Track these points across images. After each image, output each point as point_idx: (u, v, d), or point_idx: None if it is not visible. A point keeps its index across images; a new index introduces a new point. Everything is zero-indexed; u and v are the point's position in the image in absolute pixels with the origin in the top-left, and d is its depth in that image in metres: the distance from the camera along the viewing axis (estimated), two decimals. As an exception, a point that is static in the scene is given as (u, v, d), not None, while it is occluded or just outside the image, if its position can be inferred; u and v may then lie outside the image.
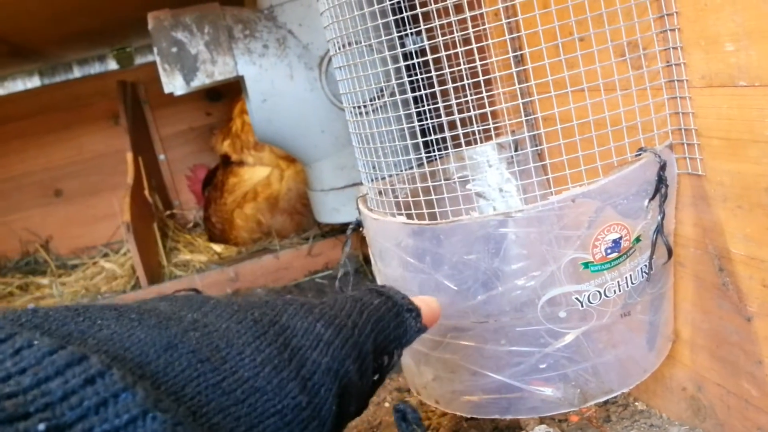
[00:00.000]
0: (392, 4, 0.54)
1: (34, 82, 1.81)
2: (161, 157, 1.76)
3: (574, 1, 0.48)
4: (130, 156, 1.45)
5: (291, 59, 1.01)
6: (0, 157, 1.72)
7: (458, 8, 0.54)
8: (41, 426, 0.18)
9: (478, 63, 0.51)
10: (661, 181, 0.47)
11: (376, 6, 0.54)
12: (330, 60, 0.99)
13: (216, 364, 0.24)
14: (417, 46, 0.55)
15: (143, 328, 0.24)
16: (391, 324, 0.33)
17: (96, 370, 0.20)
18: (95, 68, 1.83)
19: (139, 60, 1.83)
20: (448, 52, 0.52)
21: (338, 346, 0.29)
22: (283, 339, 0.28)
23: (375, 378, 0.34)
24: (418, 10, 0.53)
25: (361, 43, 0.57)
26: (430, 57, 0.53)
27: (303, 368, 0.27)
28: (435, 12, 0.51)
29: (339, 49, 0.61)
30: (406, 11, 0.57)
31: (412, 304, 0.35)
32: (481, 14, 0.51)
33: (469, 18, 0.49)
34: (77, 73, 1.82)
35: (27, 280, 1.53)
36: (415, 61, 0.59)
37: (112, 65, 1.82)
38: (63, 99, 1.75)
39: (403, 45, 0.57)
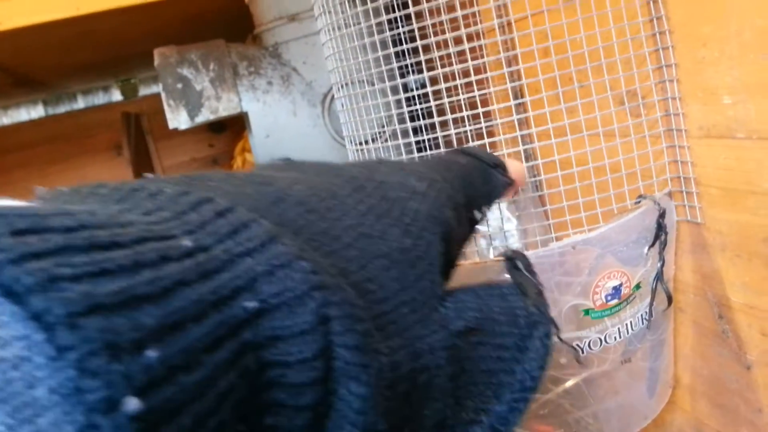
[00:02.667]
0: (396, 51, 0.55)
1: (38, 111, 1.83)
2: (163, 187, 1.77)
3: (575, 51, 0.49)
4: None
5: (294, 96, 1.02)
6: (2, 186, 1.72)
7: (461, 53, 0.55)
8: (189, 242, 0.19)
9: (480, 109, 0.52)
10: (660, 228, 0.48)
11: (380, 52, 0.55)
12: (333, 97, 1.00)
13: (322, 213, 0.26)
14: (419, 91, 0.56)
15: (251, 185, 0.26)
16: (479, 180, 0.34)
17: (224, 207, 0.22)
18: (100, 99, 1.85)
19: (144, 91, 1.84)
20: (451, 99, 0.53)
21: (433, 197, 0.30)
22: (380, 192, 0.29)
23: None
24: (422, 57, 0.54)
25: (365, 87, 0.58)
26: (432, 101, 0.54)
27: (403, 216, 0.28)
28: (436, 45, 0.52)
29: (341, 88, 0.62)
30: (410, 56, 0.58)
31: (498, 159, 0.36)
32: (483, 64, 0.52)
33: (471, 67, 0.50)
34: (81, 103, 1.84)
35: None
36: (418, 107, 0.60)
37: (117, 96, 1.84)
38: (67, 129, 1.77)
39: (406, 90, 0.58)
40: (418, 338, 0.26)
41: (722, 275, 0.48)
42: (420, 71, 0.57)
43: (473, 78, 0.53)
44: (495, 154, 0.37)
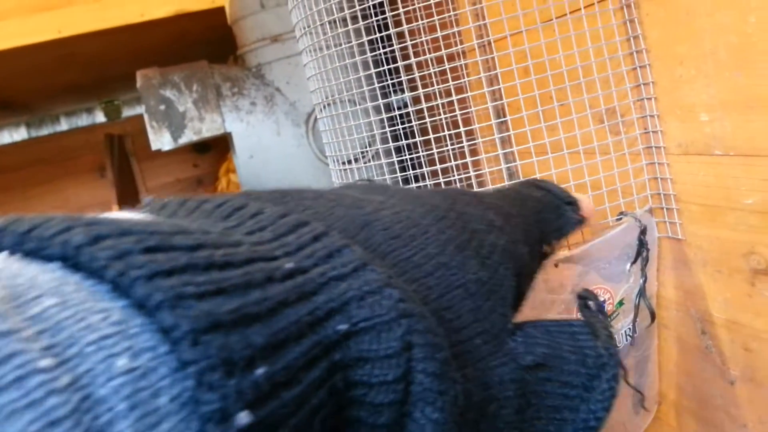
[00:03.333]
0: (379, 71, 0.56)
1: (21, 134, 1.82)
2: (147, 208, 1.76)
3: (554, 70, 0.49)
4: (116, 209, 1.45)
5: (278, 116, 1.02)
6: (-15, 209, 1.71)
7: (443, 73, 0.55)
8: (289, 265, 0.20)
9: (462, 129, 0.52)
10: (642, 245, 0.48)
11: (362, 72, 0.55)
12: (316, 117, 1.00)
13: (406, 241, 0.27)
14: (402, 111, 0.56)
15: (341, 208, 0.27)
16: (552, 215, 0.35)
17: (319, 231, 0.23)
18: (83, 120, 1.84)
19: (127, 112, 1.84)
20: (434, 118, 0.54)
21: (510, 232, 0.31)
22: (461, 223, 0.29)
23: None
24: (403, 77, 0.55)
25: (347, 107, 0.58)
26: (415, 121, 0.55)
27: (481, 249, 0.29)
28: (418, 65, 0.52)
29: (323, 108, 0.62)
30: (393, 76, 0.58)
31: (571, 197, 0.37)
32: (466, 83, 0.52)
33: (453, 87, 0.51)
34: (65, 125, 1.82)
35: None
36: (400, 127, 0.60)
37: (100, 118, 1.83)
38: (50, 151, 1.76)
39: (389, 109, 0.59)
40: (489, 369, 0.27)
41: (704, 291, 0.48)
42: (403, 91, 0.58)
43: (454, 97, 0.53)
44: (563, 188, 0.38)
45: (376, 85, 0.57)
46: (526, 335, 0.29)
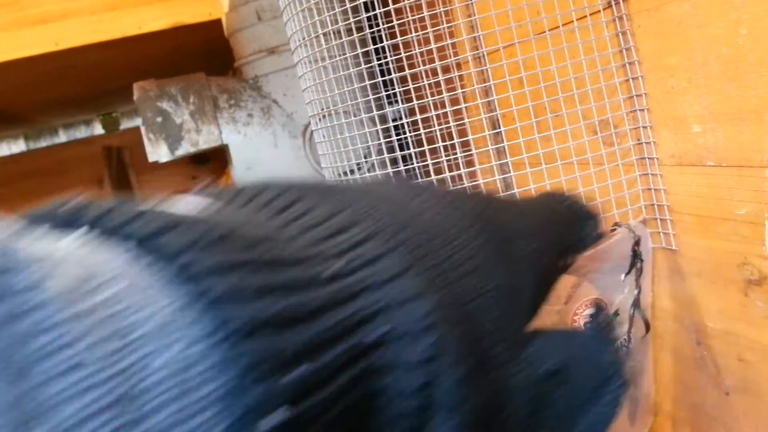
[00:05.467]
0: (374, 83, 0.56)
1: (19, 146, 1.82)
2: (145, 220, 1.76)
3: (547, 82, 0.50)
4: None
5: (275, 128, 1.03)
6: (-18, 222, 1.71)
7: (438, 84, 0.56)
8: (333, 268, 0.22)
9: (457, 140, 0.52)
10: (636, 256, 0.48)
11: (356, 84, 0.55)
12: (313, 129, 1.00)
13: (444, 243, 0.28)
14: (398, 122, 0.56)
15: (385, 206, 0.28)
16: (573, 229, 0.37)
17: (364, 236, 0.24)
18: (81, 132, 1.84)
19: (126, 124, 1.84)
20: (429, 130, 0.54)
21: (536, 241, 0.32)
22: (492, 229, 0.31)
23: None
24: (398, 89, 0.55)
25: (342, 118, 0.58)
26: (410, 132, 0.55)
27: (509, 256, 0.30)
28: (413, 77, 0.53)
29: (319, 120, 0.62)
30: (388, 87, 0.58)
31: (592, 212, 0.38)
32: (461, 95, 0.52)
33: (448, 99, 0.51)
34: (63, 137, 1.83)
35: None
36: (394, 138, 0.60)
37: (98, 130, 1.84)
38: (48, 164, 1.76)
39: (385, 121, 0.59)
40: (507, 376, 0.28)
41: (698, 301, 0.48)
42: (398, 102, 0.58)
43: (449, 109, 0.53)
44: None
45: (371, 96, 0.57)
46: (540, 344, 0.30)
